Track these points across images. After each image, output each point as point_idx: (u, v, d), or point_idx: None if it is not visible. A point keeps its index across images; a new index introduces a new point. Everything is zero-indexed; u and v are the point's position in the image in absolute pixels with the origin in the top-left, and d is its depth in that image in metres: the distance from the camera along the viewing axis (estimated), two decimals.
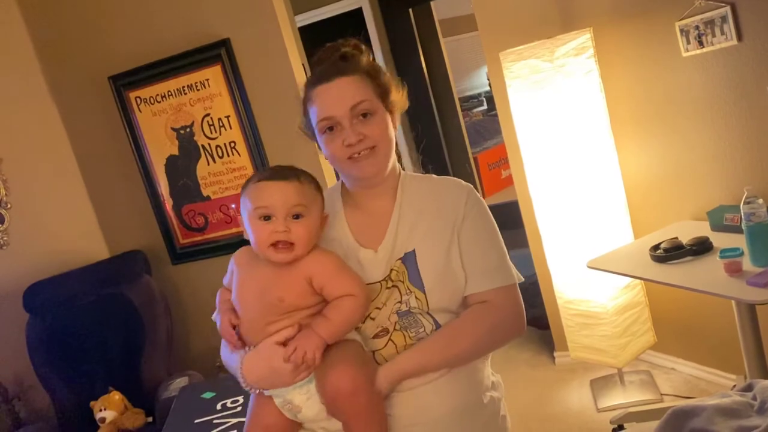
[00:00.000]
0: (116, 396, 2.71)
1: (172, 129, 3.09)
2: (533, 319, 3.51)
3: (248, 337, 1.24)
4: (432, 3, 5.26)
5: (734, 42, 2.13)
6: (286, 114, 3.00)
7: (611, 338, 2.62)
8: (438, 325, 1.24)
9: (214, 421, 2.12)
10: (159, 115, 3.09)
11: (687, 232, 2.21)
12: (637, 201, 2.69)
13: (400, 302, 1.24)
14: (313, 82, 1.28)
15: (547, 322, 3.15)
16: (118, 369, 2.88)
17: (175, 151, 3.12)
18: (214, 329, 3.17)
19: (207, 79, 2.98)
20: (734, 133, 2.26)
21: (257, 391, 1.23)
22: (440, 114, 5.35)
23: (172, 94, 3.04)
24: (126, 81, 3.09)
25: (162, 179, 3.17)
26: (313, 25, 4.89)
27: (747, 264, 1.87)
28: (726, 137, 2.29)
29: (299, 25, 4.12)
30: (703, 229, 2.22)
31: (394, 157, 1.31)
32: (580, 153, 2.55)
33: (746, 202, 1.85)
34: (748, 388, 1.44)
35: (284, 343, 1.18)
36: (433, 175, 1.38)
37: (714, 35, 2.18)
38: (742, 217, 1.87)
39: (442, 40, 5.43)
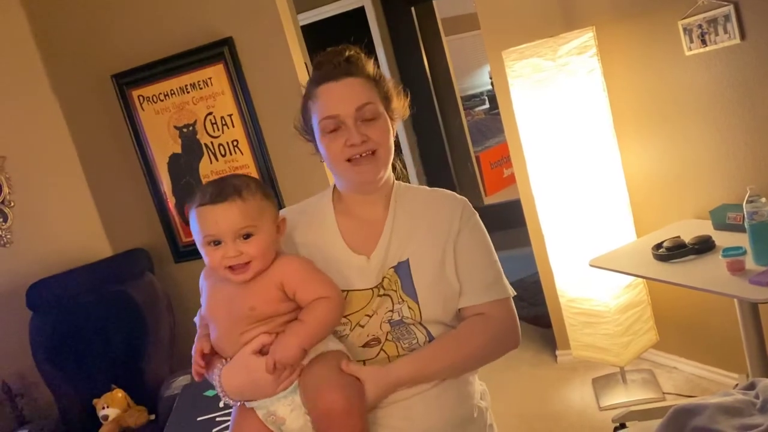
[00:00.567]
0: (119, 394, 2.72)
1: (175, 127, 3.10)
2: (535, 317, 3.52)
3: (224, 349, 1.20)
4: (434, 2, 5.26)
5: (737, 41, 2.13)
6: (289, 112, 2.99)
7: (613, 337, 2.62)
8: (431, 337, 1.23)
9: (217, 419, 2.13)
10: (162, 114, 3.10)
11: (689, 230, 2.21)
12: (639, 199, 2.69)
13: (392, 311, 1.22)
14: (317, 80, 1.26)
15: (549, 320, 3.14)
16: (121, 367, 2.89)
17: (178, 150, 3.12)
18: None
19: (210, 78, 2.98)
20: (737, 132, 2.26)
21: (239, 404, 1.21)
22: (442, 113, 5.35)
23: (174, 93, 3.05)
24: (129, 79, 3.10)
25: (165, 177, 3.17)
26: (316, 23, 4.90)
27: (750, 263, 1.87)
28: (729, 136, 2.29)
29: (302, 23, 4.12)
30: (706, 228, 2.22)
31: (389, 165, 1.30)
32: (583, 152, 2.55)
33: (749, 201, 1.85)
34: (751, 386, 1.44)
35: (261, 351, 1.15)
36: (427, 187, 1.37)
37: (717, 34, 2.18)
38: (745, 215, 1.87)
39: (444, 39, 5.43)
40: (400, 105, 1.33)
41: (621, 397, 2.67)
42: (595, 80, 2.55)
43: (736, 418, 1.30)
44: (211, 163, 3.08)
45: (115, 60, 3.10)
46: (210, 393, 2.35)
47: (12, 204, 3.11)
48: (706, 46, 2.22)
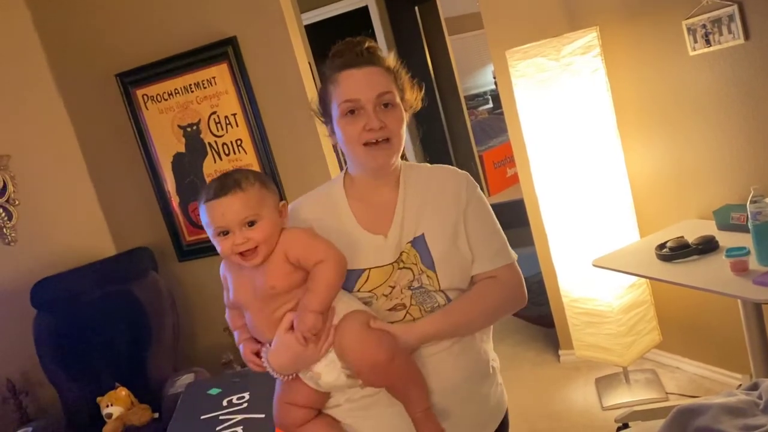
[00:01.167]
0: (123, 392, 2.73)
1: (179, 126, 3.10)
2: (538, 317, 3.52)
3: (262, 332, 1.30)
4: (438, 1, 5.26)
5: (741, 41, 2.13)
6: (292, 112, 3.02)
7: (616, 337, 2.62)
8: (450, 300, 1.32)
9: (220, 417, 2.13)
10: (166, 113, 3.11)
11: (693, 231, 2.21)
12: (643, 199, 2.69)
13: (413, 279, 1.31)
14: (340, 66, 1.32)
15: (552, 320, 3.14)
16: (125, 365, 2.90)
17: (182, 149, 3.13)
18: (220, 326, 3.19)
19: (214, 77, 2.99)
20: (741, 132, 2.26)
21: (291, 376, 1.31)
22: (446, 112, 5.35)
23: (179, 92, 3.06)
24: (133, 79, 3.11)
25: (169, 176, 3.18)
26: (320, 23, 4.90)
27: (753, 263, 1.87)
28: (733, 136, 2.29)
29: (305, 23, 4.13)
30: (710, 228, 2.22)
31: (401, 151, 1.38)
32: (586, 151, 2.55)
33: (753, 201, 1.85)
34: (754, 387, 1.44)
35: (292, 328, 1.25)
36: (428, 164, 1.45)
37: (721, 34, 2.17)
38: (749, 216, 1.87)
39: (447, 38, 5.43)
40: (413, 97, 1.40)
41: (624, 397, 2.67)
42: (599, 80, 2.55)
43: (739, 419, 1.30)
44: (215, 162, 3.09)
45: (120, 59, 3.11)
46: (213, 391, 2.35)
47: (17, 202, 3.12)
48: (710, 46, 2.22)
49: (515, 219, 3.48)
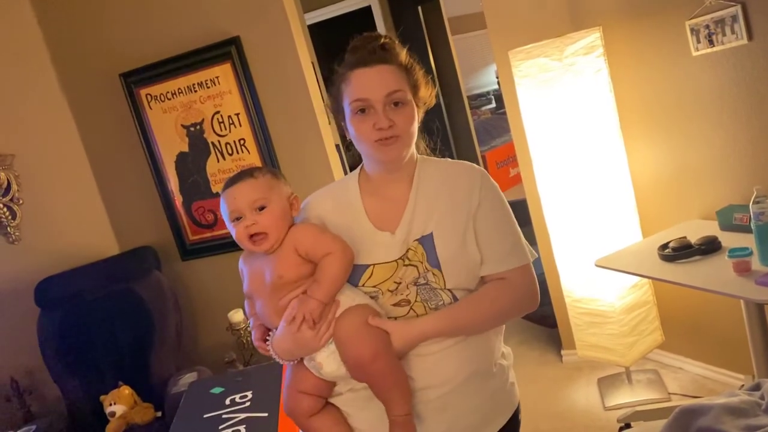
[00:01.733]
0: (126, 390, 2.73)
1: (183, 126, 3.11)
2: (541, 317, 3.52)
3: (270, 320, 1.35)
4: (441, 1, 5.26)
5: (744, 41, 2.13)
6: (295, 111, 3.02)
7: (619, 337, 2.62)
8: (456, 299, 1.32)
9: (223, 416, 2.14)
10: (169, 113, 3.11)
11: (696, 231, 2.21)
12: (645, 200, 2.69)
13: (419, 277, 1.32)
14: (352, 64, 1.33)
15: (555, 320, 3.15)
16: (128, 364, 2.91)
17: (185, 148, 3.14)
18: (222, 325, 3.19)
19: (217, 77, 2.99)
20: (744, 132, 2.26)
21: (294, 362, 1.36)
22: (449, 112, 5.35)
23: (182, 92, 3.06)
24: (137, 78, 3.11)
25: (172, 176, 3.19)
26: (323, 22, 4.90)
27: (756, 263, 1.87)
28: (736, 136, 2.29)
29: (308, 23, 4.13)
30: (712, 229, 2.22)
31: (413, 146, 1.38)
32: (589, 152, 2.55)
33: (755, 202, 1.85)
34: (756, 387, 1.45)
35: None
36: (448, 159, 1.44)
37: (724, 34, 2.17)
38: (752, 216, 1.87)
39: (450, 38, 5.42)
40: (427, 94, 1.40)
41: (626, 397, 2.67)
42: (602, 80, 2.55)
43: (741, 419, 1.30)
44: (218, 161, 3.09)
45: (123, 59, 3.12)
46: (216, 390, 2.36)
47: (21, 201, 3.13)
48: (714, 46, 2.22)
49: (518, 219, 3.48)
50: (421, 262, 1.31)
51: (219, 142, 3.07)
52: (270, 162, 3.00)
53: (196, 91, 3.04)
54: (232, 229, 1.34)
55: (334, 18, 4.96)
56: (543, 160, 2.70)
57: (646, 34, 2.49)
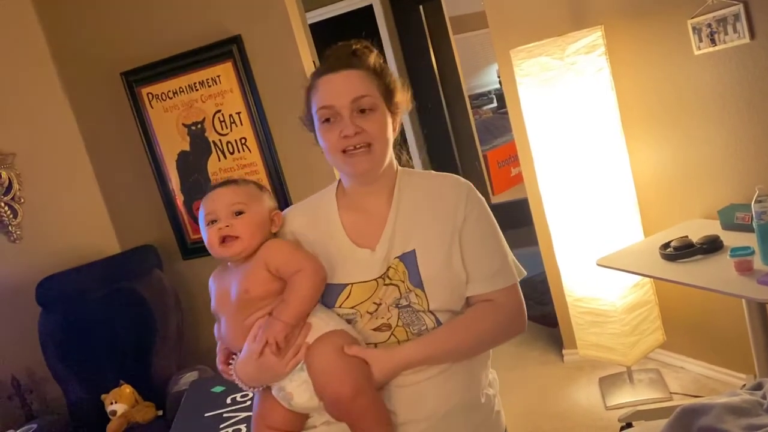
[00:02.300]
0: (127, 389, 2.74)
1: (184, 125, 3.11)
2: (542, 316, 3.51)
3: (232, 341, 1.27)
4: (442, 0, 5.25)
5: (747, 40, 2.13)
6: (297, 110, 3.01)
7: (620, 336, 2.62)
8: (439, 323, 1.25)
9: (224, 415, 2.14)
10: (170, 111, 3.11)
11: (697, 230, 2.21)
12: (647, 199, 2.68)
13: (400, 298, 1.24)
14: (319, 72, 1.29)
15: (556, 319, 3.14)
16: (129, 363, 2.91)
17: (187, 147, 3.14)
18: None
19: (218, 76, 2.99)
20: (746, 132, 2.25)
21: (259, 389, 1.27)
22: (450, 111, 5.35)
23: (183, 91, 3.06)
24: (138, 77, 3.12)
25: (173, 175, 3.19)
26: (324, 22, 4.90)
27: (758, 263, 1.86)
28: (737, 135, 2.28)
29: (310, 22, 4.12)
30: (714, 228, 2.22)
31: (390, 157, 1.30)
32: (591, 151, 2.54)
33: (757, 201, 1.84)
34: (758, 387, 1.44)
35: None
36: (432, 172, 1.37)
37: (726, 33, 2.17)
38: (753, 215, 1.86)
39: (452, 38, 5.42)
40: (403, 99, 1.33)
41: (627, 396, 2.66)
42: (604, 79, 2.55)
43: (743, 418, 1.30)
44: (219, 160, 3.09)
45: (125, 58, 3.12)
46: (217, 389, 2.36)
47: (22, 200, 3.13)
48: (716, 45, 2.22)
49: (519, 218, 3.48)
50: (403, 282, 1.23)
51: (220, 141, 3.07)
52: (271, 161, 3.00)
53: (197, 90, 3.04)
54: (205, 235, 1.27)
55: (335, 17, 4.96)
56: (544, 159, 2.69)
57: (647, 33, 2.49)
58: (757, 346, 2.12)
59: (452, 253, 1.25)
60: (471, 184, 1.33)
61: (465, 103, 5.48)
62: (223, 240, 1.24)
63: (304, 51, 2.93)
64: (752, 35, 2.12)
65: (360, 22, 4.95)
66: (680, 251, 2.09)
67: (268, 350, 1.18)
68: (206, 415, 2.18)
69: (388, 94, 1.28)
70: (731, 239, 2.07)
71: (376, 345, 1.24)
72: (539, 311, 3.55)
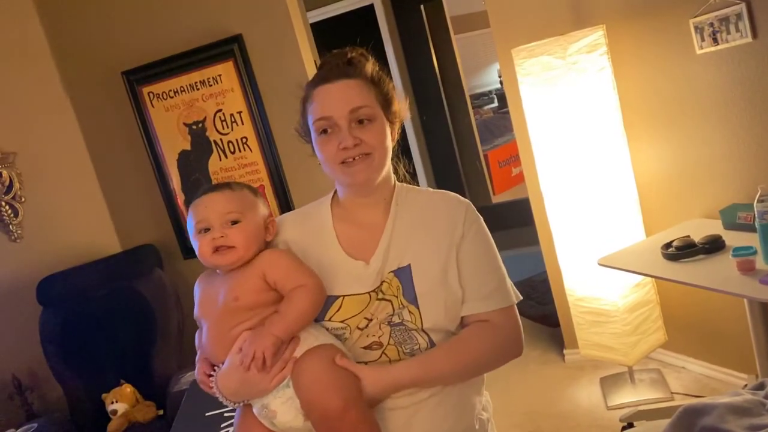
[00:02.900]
0: (128, 389, 2.74)
1: (185, 124, 3.11)
2: (543, 316, 3.51)
3: (213, 350, 1.21)
4: None
5: (749, 39, 2.12)
6: (298, 110, 3.01)
7: (621, 336, 2.62)
8: (433, 344, 1.21)
9: (225, 415, 2.13)
10: (171, 111, 3.11)
11: (699, 230, 2.20)
12: (649, 198, 2.68)
13: (393, 314, 1.20)
14: (315, 83, 1.25)
15: (558, 319, 3.14)
16: (130, 362, 2.91)
17: (188, 147, 3.14)
18: None
19: (219, 75, 2.99)
20: (748, 131, 2.25)
21: (240, 404, 1.21)
22: (451, 111, 5.34)
23: (184, 90, 3.06)
24: (139, 76, 3.11)
25: (174, 174, 3.19)
26: (325, 21, 4.90)
27: (760, 262, 1.86)
28: (740, 135, 2.28)
29: (311, 21, 4.12)
30: (716, 228, 2.21)
31: (389, 167, 1.28)
32: (592, 150, 2.54)
33: (760, 200, 1.84)
34: (760, 387, 1.44)
35: None
36: (430, 189, 1.34)
37: (728, 33, 2.17)
38: (756, 215, 1.86)
39: (453, 37, 5.42)
40: (401, 108, 1.30)
41: (629, 396, 2.66)
42: (605, 79, 2.54)
43: (745, 418, 1.30)
44: (220, 160, 3.09)
45: (126, 57, 3.12)
46: None
47: (23, 199, 3.13)
48: (718, 44, 2.21)
49: (520, 218, 3.48)
50: (396, 297, 1.19)
51: (221, 140, 3.07)
52: (272, 160, 3.00)
53: (198, 89, 3.04)
54: (196, 244, 1.21)
55: (336, 16, 4.96)
56: (546, 159, 2.69)
57: (649, 32, 2.49)
58: (759, 346, 2.11)
59: (448, 270, 1.22)
60: (470, 202, 1.31)
61: (466, 103, 5.48)
62: (217, 249, 1.19)
63: (305, 50, 2.93)
64: (754, 34, 2.11)
65: (361, 22, 4.95)
66: (682, 251, 2.09)
67: (253, 365, 1.12)
68: (207, 414, 2.18)
69: (386, 103, 1.25)
70: (733, 239, 2.06)
71: (366, 364, 1.19)
72: (540, 311, 3.55)
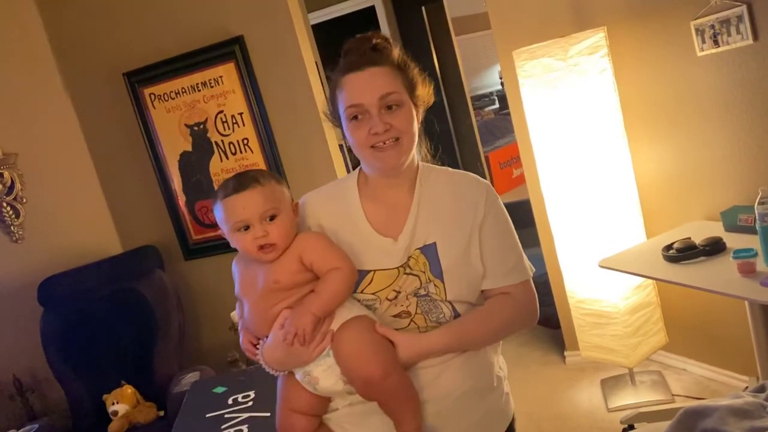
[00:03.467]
0: (128, 390, 2.74)
1: (186, 125, 3.11)
2: (544, 318, 3.51)
3: (258, 325, 1.30)
4: (445, 1, 5.26)
5: (750, 41, 2.12)
6: (299, 111, 3.02)
7: (622, 338, 2.62)
8: (456, 313, 1.30)
9: (226, 416, 2.13)
10: (173, 112, 3.11)
11: (700, 232, 2.20)
12: (650, 200, 2.68)
13: (420, 287, 1.29)
14: (344, 70, 1.30)
15: (558, 321, 3.14)
16: (131, 363, 2.91)
17: (189, 148, 3.14)
18: (225, 325, 3.19)
19: (221, 76, 3.00)
20: (749, 133, 2.25)
21: (285, 373, 1.32)
22: (452, 112, 5.35)
23: (186, 91, 3.06)
24: (140, 77, 3.12)
25: (175, 175, 3.19)
26: (326, 22, 4.91)
27: (761, 265, 1.86)
28: (740, 137, 2.28)
29: (312, 23, 4.13)
30: (717, 230, 2.21)
31: (414, 150, 1.35)
32: (593, 152, 2.54)
33: (760, 203, 1.84)
34: (761, 389, 1.44)
35: None
36: (449, 168, 1.41)
37: (729, 35, 2.17)
38: (756, 217, 1.86)
39: (454, 39, 5.42)
40: (425, 92, 1.36)
41: (630, 398, 2.66)
42: (606, 80, 2.54)
43: (745, 421, 1.30)
44: (221, 161, 3.09)
45: (127, 58, 3.12)
46: (219, 390, 2.36)
47: (24, 200, 3.13)
48: (719, 46, 2.21)
49: (521, 219, 3.47)
50: (423, 272, 1.29)
51: (222, 141, 3.07)
52: (273, 161, 3.00)
53: (199, 91, 3.04)
54: (236, 240, 1.28)
55: (337, 18, 4.97)
56: (547, 161, 2.69)
57: (650, 34, 2.49)
58: (759, 348, 2.11)
59: (471, 248, 1.30)
60: (489, 183, 1.39)
61: (467, 104, 5.48)
62: (261, 247, 1.26)
63: (306, 52, 2.93)
64: (755, 36, 2.11)
65: (362, 23, 4.95)
66: (683, 253, 2.09)
67: (296, 341, 1.21)
68: (207, 415, 2.18)
69: (411, 88, 1.32)
70: (734, 241, 2.06)
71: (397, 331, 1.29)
72: (541, 313, 3.53)
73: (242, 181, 1.27)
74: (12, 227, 3.09)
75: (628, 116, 2.62)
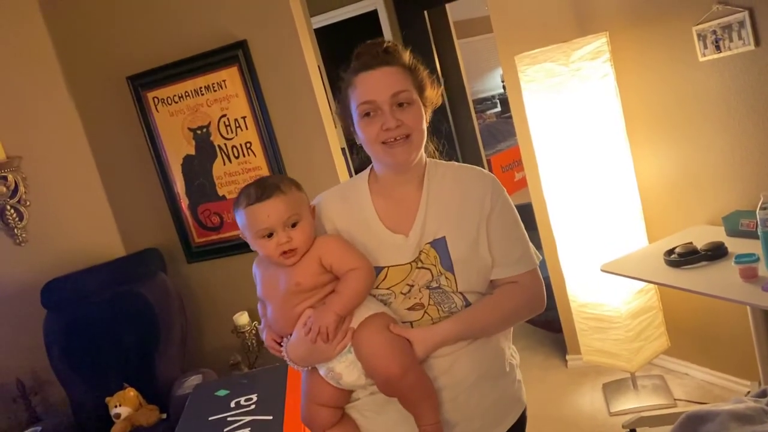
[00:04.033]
0: (131, 392, 2.74)
1: (189, 129, 3.12)
2: (546, 322, 3.51)
3: (281, 325, 1.36)
4: (447, 5, 5.26)
5: (751, 47, 2.13)
6: (302, 115, 3.03)
7: (624, 342, 2.62)
8: (468, 302, 1.35)
9: (228, 419, 2.14)
10: (176, 116, 3.12)
11: (702, 237, 2.21)
12: (651, 205, 2.68)
13: (432, 280, 1.33)
14: (356, 70, 1.35)
15: (560, 325, 3.14)
16: (134, 366, 2.91)
17: (192, 151, 3.15)
18: (228, 327, 3.19)
19: (224, 80, 3.01)
20: (751, 138, 2.26)
21: (309, 369, 1.37)
22: (454, 115, 5.35)
23: (189, 95, 3.07)
24: (144, 81, 3.13)
25: (178, 179, 3.20)
26: (329, 26, 4.91)
27: (763, 269, 1.86)
28: (742, 142, 2.29)
29: (315, 27, 4.14)
30: (719, 235, 2.22)
31: (423, 147, 1.39)
32: (595, 156, 2.55)
33: (762, 208, 1.84)
34: (763, 394, 1.44)
35: None
36: (455, 163, 1.46)
37: (731, 40, 2.17)
38: (758, 222, 1.86)
39: (456, 42, 5.43)
40: (434, 94, 1.42)
41: (631, 402, 2.66)
42: (608, 85, 2.55)
43: (747, 425, 1.30)
44: (224, 164, 3.10)
45: (131, 62, 3.13)
46: (221, 393, 2.36)
47: (28, 203, 3.14)
48: (720, 52, 2.22)
49: (523, 223, 3.48)
50: (434, 266, 1.33)
51: (225, 145, 3.08)
52: (276, 165, 3.01)
53: (202, 95, 3.05)
54: (260, 246, 1.33)
55: (340, 22, 4.97)
56: (549, 165, 2.70)
57: (652, 39, 2.49)
58: (761, 353, 2.11)
59: (479, 240, 1.35)
60: (494, 175, 1.43)
61: (469, 108, 5.48)
62: (284, 253, 1.30)
63: (309, 56, 2.94)
64: (757, 42, 2.12)
65: (365, 27, 4.96)
66: (685, 257, 2.09)
67: (319, 339, 1.27)
68: (210, 418, 2.18)
69: (420, 89, 1.38)
70: (736, 246, 2.07)
71: (412, 324, 1.34)
72: (543, 316, 3.55)
73: (264, 189, 1.31)
74: (15, 230, 3.10)
75: (630, 121, 2.62)
